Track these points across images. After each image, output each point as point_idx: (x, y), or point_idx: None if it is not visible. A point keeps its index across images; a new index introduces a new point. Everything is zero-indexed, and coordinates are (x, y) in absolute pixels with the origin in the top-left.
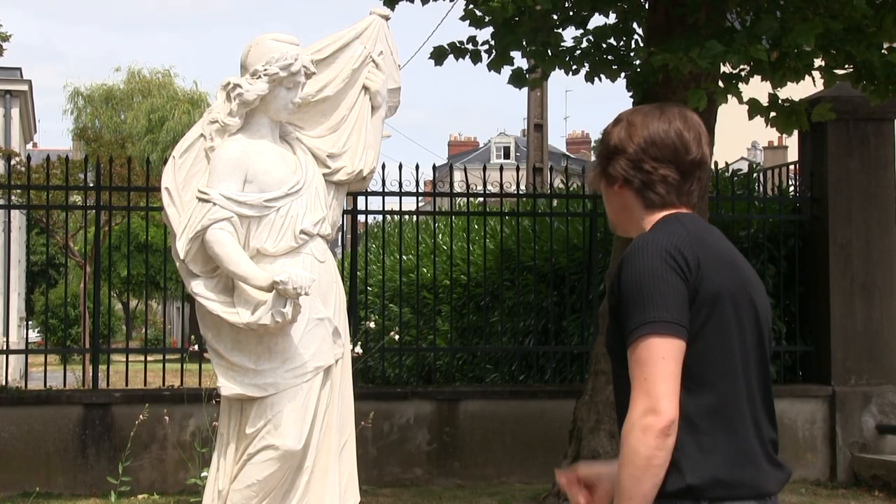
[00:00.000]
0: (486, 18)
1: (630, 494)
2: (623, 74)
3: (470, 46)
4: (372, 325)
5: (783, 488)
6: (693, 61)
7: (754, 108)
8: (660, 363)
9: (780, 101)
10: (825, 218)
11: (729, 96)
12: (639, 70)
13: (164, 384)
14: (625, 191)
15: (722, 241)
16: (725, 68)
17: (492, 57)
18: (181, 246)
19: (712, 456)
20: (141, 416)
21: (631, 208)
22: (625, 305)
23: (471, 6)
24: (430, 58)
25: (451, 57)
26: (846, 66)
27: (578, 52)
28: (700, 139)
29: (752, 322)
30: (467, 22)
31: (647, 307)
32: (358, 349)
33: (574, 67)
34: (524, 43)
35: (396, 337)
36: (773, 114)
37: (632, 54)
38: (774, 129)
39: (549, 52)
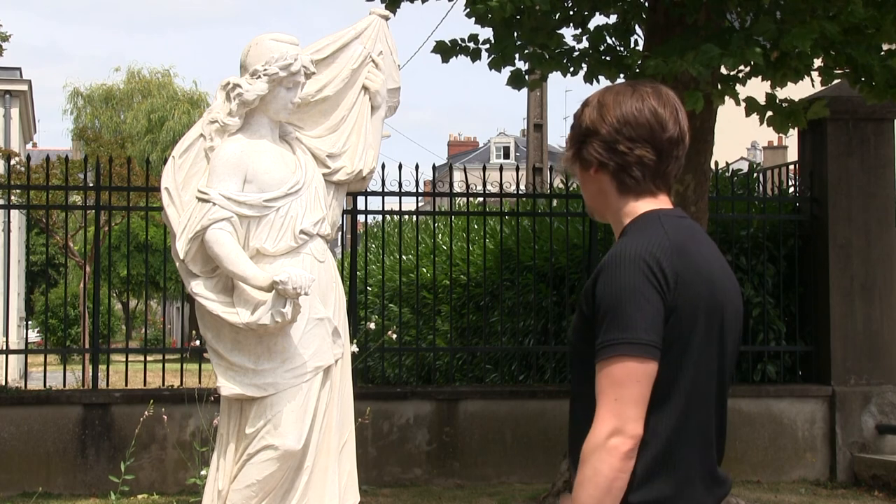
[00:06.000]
0: (489, 15)
1: None
2: (622, 75)
3: (471, 45)
4: (372, 325)
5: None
6: (686, 66)
7: (752, 107)
8: (634, 386)
9: (777, 101)
10: (825, 218)
11: (727, 97)
12: (637, 71)
13: (163, 384)
14: (600, 175)
15: (703, 246)
16: (724, 69)
17: (492, 57)
18: (181, 246)
19: (659, 475)
20: (147, 413)
21: (606, 193)
22: (601, 316)
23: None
24: (433, 52)
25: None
26: (845, 67)
27: (577, 53)
28: (677, 115)
29: (718, 340)
30: (472, 20)
31: (626, 325)
32: (354, 347)
33: (572, 69)
34: (522, 45)
35: (394, 336)
36: (769, 113)
37: (628, 55)
38: (772, 128)
39: (546, 54)
